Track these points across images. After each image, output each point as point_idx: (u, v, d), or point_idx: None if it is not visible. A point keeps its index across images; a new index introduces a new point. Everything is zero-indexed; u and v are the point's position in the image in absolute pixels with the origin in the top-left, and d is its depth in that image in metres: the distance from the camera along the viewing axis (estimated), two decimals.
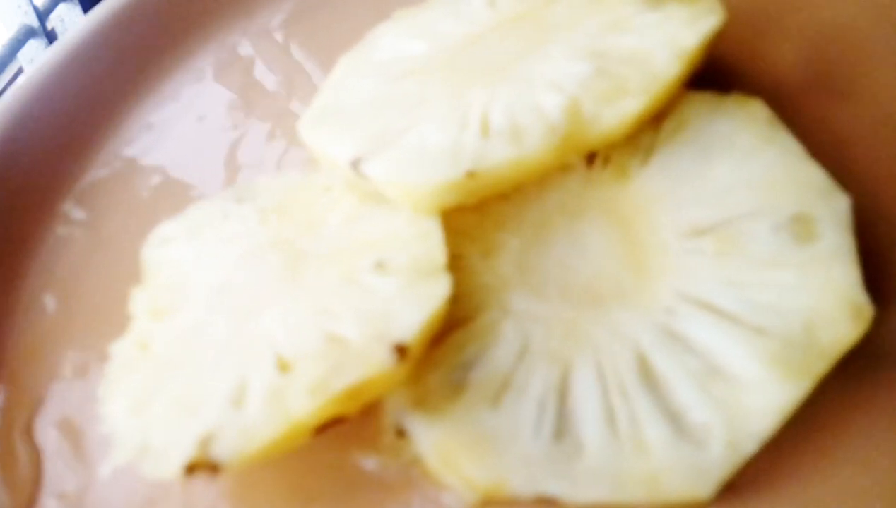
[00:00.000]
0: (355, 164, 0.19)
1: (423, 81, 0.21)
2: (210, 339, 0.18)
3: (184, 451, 0.15)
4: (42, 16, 0.38)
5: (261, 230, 0.21)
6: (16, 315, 0.23)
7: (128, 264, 0.23)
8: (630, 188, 0.19)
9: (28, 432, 0.20)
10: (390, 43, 0.23)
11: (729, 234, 0.18)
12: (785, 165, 0.18)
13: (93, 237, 0.25)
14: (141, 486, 0.18)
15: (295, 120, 0.23)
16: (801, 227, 0.17)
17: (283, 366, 0.16)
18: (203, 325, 0.18)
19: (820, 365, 0.16)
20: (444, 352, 0.18)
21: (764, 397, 0.15)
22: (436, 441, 0.17)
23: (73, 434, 0.20)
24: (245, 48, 0.29)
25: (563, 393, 0.17)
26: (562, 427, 0.16)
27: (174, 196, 0.25)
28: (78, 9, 0.38)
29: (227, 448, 0.15)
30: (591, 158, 0.20)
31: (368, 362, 0.16)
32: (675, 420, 0.16)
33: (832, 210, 0.17)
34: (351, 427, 0.18)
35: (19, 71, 0.38)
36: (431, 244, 0.18)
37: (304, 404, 0.15)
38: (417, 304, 0.17)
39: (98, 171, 0.26)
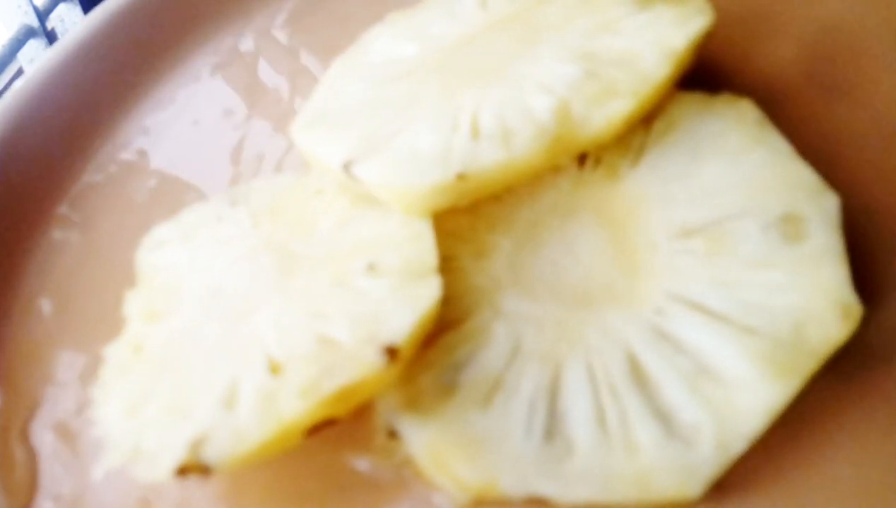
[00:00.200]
0: (347, 167, 0.19)
1: (415, 83, 0.21)
2: (202, 342, 0.18)
3: (175, 454, 0.15)
4: (42, 16, 0.38)
5: (254, 233, 0.21)
6: (11, 318, 0.23)
7: (123, 267, 0.23)
8: (620, 188, 0.19)
9: (24, 435, 0.20)
10: (383, 45, 0.23)
11: (719, 234, 0.18)
12: (774, 165, 0.18)
13: (89, 240, 0.25)
14: (135, 488, 0.18)
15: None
16: (790, 227, 0.17)
17: (275, 368, 0.16)
18: (196, 328, 0.18)
19: (809, 365, 0.16)
20: (436, 353, 0.18)
21: (753, 396, 0.16)
22: (427, 442, 0.17)
23: (69, 437, 0.20)
24: (245, 48, 0.29)
25: (553, 394, 0.17)
26: (552, 427, 0.16)
27: (170, 199, 0.25)
28: (78, 9, 0.38)
29: (218, 451, 0.15)
30: (581, 159, 0.20)
31: (359, 364, 0.16)
32: (665, 419, 0.16)
33: (821, 209, 0.17)
34: (343, 429, 0.18)
35: (19, 71, 0.38)
36: (423, 246, 0.18)
37: (295, 406, 0.15)
38: (408, 306, 0.17)
39: (94, 175, 0.27)
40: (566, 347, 0.17)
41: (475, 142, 0.19)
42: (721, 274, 0.17)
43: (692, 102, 0.20)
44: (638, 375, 0.17)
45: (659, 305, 0.17)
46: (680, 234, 0.18)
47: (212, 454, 0.15)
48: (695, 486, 0.15)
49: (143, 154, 0.27)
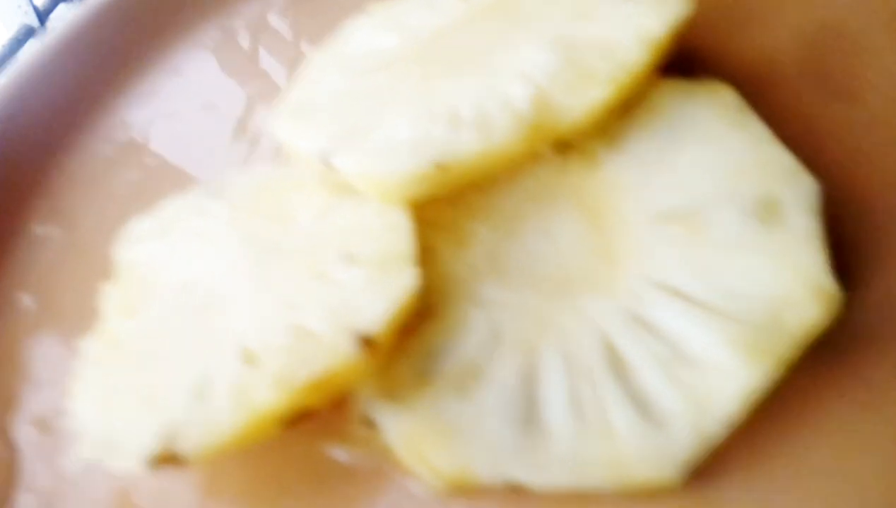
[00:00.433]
0: (325, 157, 0.19)
1: (394, 74, 0.21)
2: (178, 335, 0.18)
3: (148, 445, 0.15)
4: (42, 16, 0.38)
5: (232, 225, 0.20)
6: None
7: (103, 261, 0.23)
8: (600, 176, 0.19)
9: (3, 429, 0.20)
10: (363, 36, 0.23)
11: (696, 220, 0.18)
12: (753, 150, 0.18)
13: (69, 234, 0.25)
14: (113, 480, 0.18)
15: None
16: (768, 211, 0.17)
17: (249, 359, 0.16)
18: (171, 321, 0.18)
19: (786, 349, 0.16)
20: (414, 343, 0.18)
21: (730, 381, 0.15)
22: (403, 431, 0.17)
23: (48, 430, 0.20)
24: (240, 39, 0.29)
25: (530, 381, 0.17)
26: (528, 414, 0.16)
27: (152, 193, 0.25)
28: (77, 9, 0.38)
29: (191, 442, 0.15)
30: (562, 147, 0.20)
31: (334, 354, 0.16)
32: (641, 405, 0.16)
33: (799, 194, 0.17)
34: (322, 419, 0.18)
35: None
36: (400, 236, 0.18)
37: (268, 396, 0.15)
38: (384, 296, 0.17)
39: (75, 169, 0.26)
40: (543, 335, 0.17)
41: (453, 131, 0.18)
42: (698, 259, 0.17)
43: (672, 89, 0.20)
44: (615, 361, 0.17)
45: (636, 291, 0.17)
46: (658, 220, 0.18)
47: (185, 445, 0.15)
48: (671, 471, 0.15)
49: (124, 147, 0.27)
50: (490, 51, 0.20)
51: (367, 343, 0.16)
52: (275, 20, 0.29)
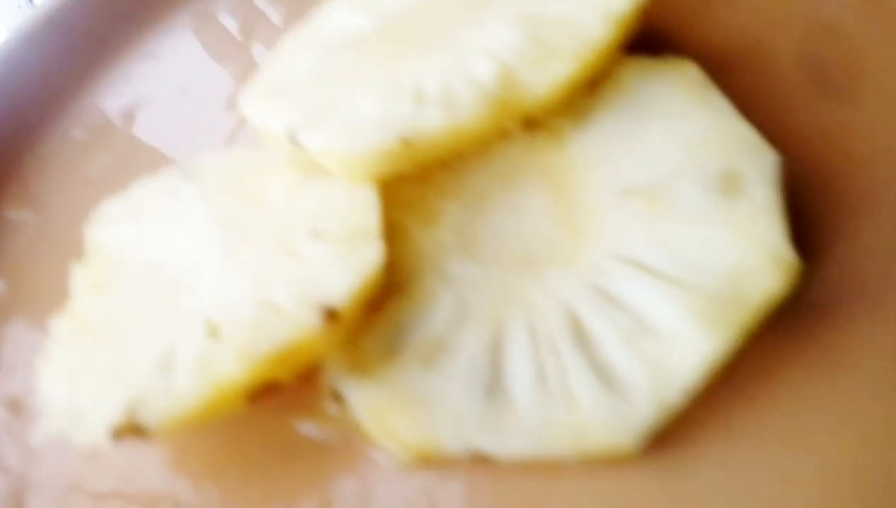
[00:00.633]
0: (292, 135, 0.19)
1: (363, 54, 0.21)
2: (145, 311, 0.18)
3: (111, 416, 0.15)
4: None
5: (202, 206, 0.21)
6: None
7: (76, 245, 0.23)
8: (566, 153, 0.19)
9: None
10: (335, 18, 0.23)
11: (659, 194, 0.18)
12: (715, 125, 0.18)
13: (42, 220, 0.25)
14: (82, 457, 0.18)
15: None
16: (729, 184, 0.17)
17: (213, 332, 0.16)
18: (139, 298, 0.18)
19: (745, 318, 0.16)
20: (381, 318, 0.18)
21: (689, 350, 0.16)
22: (369, 403, 0.17)
23: (18, 410, 0.20)
24: (222, 19, 0.29)
25: (496, 354, 0.17)
26: (493, 385, 0.17)
27: (125, 177, 0.25)
28: None
29: (153, 413, 0.15)
30: (529, 125, 0.20)
31: (297, 325, 0.16)
32: (604, 375, 0.16)
33: (760, 166, 0.17)
34: (289, 394, 0.18)
35: None
36: (367, 212, 0.18)
37: (231, 368, 0.15)
38: (349, 270, 0.17)
39: (48, 154, 0.26)
40: (509, 308, 0.18)
41: (419, 107, 0.19)
42: (660, 232, 0.17)
43: (638, 66, 0.20)
44: (578, 333, 0.17)
45: (600, 265, 0.17)
46: (621, 195, 0.18)
47: (147, 416, 0.15)
48: (630, 438, 0.15)
49: (97, 132, 0.27)
50: (457, 29, 0.20)
51: (332, 315, 0.16)
52: (258, 1, 0.29)
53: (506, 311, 0.18)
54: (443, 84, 0.19)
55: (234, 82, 0.27)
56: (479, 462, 0.16)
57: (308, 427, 0.18)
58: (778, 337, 0.17)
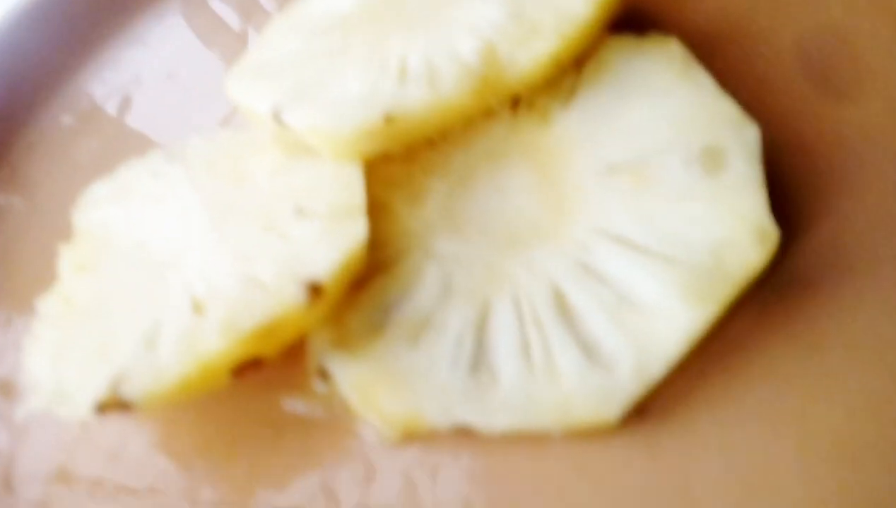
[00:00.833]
0: (276, 114, 0.19)
1: (349, 35, 0.21)
2: (131, 290, 0.18)
3: (95, 392, 0.15)
4: None
5: (188, 187, 0.21)
6: None
7: (64, 230, 0.23)
8: (552, 131, 0.19)
9: None
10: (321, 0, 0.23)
11: (643, 170, 0.18)
12: (697, 101, 0.18)
13: (30, 205, 0.25)
14: (70, 436, 0.18)
15: None
16: (711, 159, 0.17)
17: (198, 309, 0.16)
18: (125, 277, 0.18)
19: (726, 290, 0.16)
20: (367, 295, 0.18)
21: (671, 323, 0.16)
22: (355, 379, 0.17)
23: (8, 392, 0.20)
24: (212, 4, 0.29)
25: (481, 329, 0.17)
26: (478, 360, 0.17)
27: (113, 161, 0.25)
28: None
29: (137, 388, 0.15)
30: (515, 104, 0.20)
31: (280, 300, 0.16)
32: (587, 349, 0.16)
33: (741, 140, 0.17)
34: (277, 372, 0.18)
35: None
36: (351, 190, 0.18)
37: (215, 342, 0.15)
38: (333, 246, 0.17)
39: (36, 139, 0.26)
40: (494, 285, 0.18)
41: (402, 84, 0.19)
42: (643, 207, 0.17)
43: (622, 44, 0.20)
44: (562, 308, 0.17)
45: (584, 241, 0.17)
46: (606, 172, 0.18)
47: (131, 391, 0.15)
48: (612, 410, 0.15)
49: (86, 117, 0.26)
50: (442, 7, 0.20)
51: (316, 291, 0.16)
52: None
53: (491, 288, 0.18)
54: (426, 61, 0.19)
55: (226, 67, 0.27)
56: (464, 435, 0.16)
57: (295, 405, 0.18)
58: (759, 310, 0.17)
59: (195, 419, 0.18)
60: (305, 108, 0.19)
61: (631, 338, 0.16)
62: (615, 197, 0.18)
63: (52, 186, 0.25)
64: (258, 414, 0.18)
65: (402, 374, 0.17)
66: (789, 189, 0.18)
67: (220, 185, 0.20)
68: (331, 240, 0.17)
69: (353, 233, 0.17)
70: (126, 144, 0.26)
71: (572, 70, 0.20)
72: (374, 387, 0.17)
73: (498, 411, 0.16)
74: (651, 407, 0.16)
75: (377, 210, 0.19)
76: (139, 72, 0.28)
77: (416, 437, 0.17)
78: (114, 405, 0.15)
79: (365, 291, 0.18)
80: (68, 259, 0.20)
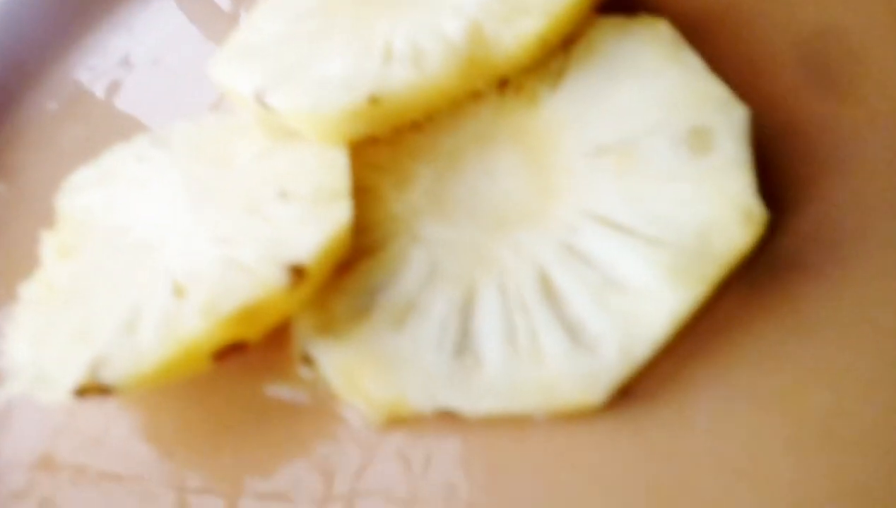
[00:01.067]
0: (259, 96, 0.19)
1: (332, 16, 0.21)
2: (112, 274, 0.18)
3: (74, 375, 0.15)
4: None
5: (172, 171, 0.20)
6: None
7: (49, 215, 0.22)
8: (540, 113, 0.19)
9: None
10: None
11: (630, 152, 0.18)
12: (686, 82, 0.18)
13: (15, 191, 0.24)
14: (55, 421, 0.18)
15: None
16: (698, 140, 0.17)
17: (179, 291, 0.16)
18: (107, 262, 0.18)
19: (713, 271, 0.16)
20: (352, 279, 0.18)
21: (657, 304, 0.16)
22: (340, 364, 0.17)
23: None
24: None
25: (466, 313, 0.17)
26: (463, 344, 0.16)
27: (99, 147, 0.25)
28: None
29: (117, 371, 0.15)
30: (503, 86, 0.20)
31: (261, 283, 0.15)
32: (572, 331, 0.16)
33: (729, 121, 0.17)
34: (262, 359, 0.18)
35: None
36: (335, 173, 0.18)
37: (195, 325, 0.15)
38: (316, 228, 0.17)
39: (21, 125, 0.26)
40: (481, 268, 0.17)
41: (387, 65, 0.18)
42: (630, 189, 0.17)
43: (611, 26, 0.20)
44: (548, 291, 0.17)
45: (570, 222, 0.17)
46: (593, 154, 0.18)
47: (110, 374, 0.15)
48: (597, 392, 0.15)
49: (71, 102, 0.26)
50: None
51: (298, 273, 0.16)
52: None
53: (477, 272, 0.17)
54: (411, 41, 0.19)
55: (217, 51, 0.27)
56: (448, 418, 0.16)
57: (280, 391, 0.18)
58: (747, 292, 0.17)
59: (180, 406, 0.18)
60: (289, 90, 0.18)
61: (617, 320, 0.16)
62: (602, 178, 0.18)
63: (38, 173, 0.25)
64: (243, 400, 0.18)
65: (387, 359, 0.16)
66: (779, 171, 0.18)
67: (204, 169, 0.20)
68: (314, 222, 0.17)
69: (336, 216, 0.17)
70: (113, 130, 0.25)
71: (560, 52, 0.20)
72: (359, 372, 0.17)
73: (482, 395, 0.16)
74: (637, 390, 0.16)
75: (363, 194, 0.19)
76: (127, 56, 0.27)
77: (401, 421, 0.17)
78: (93, 389, 0.15)
79: (350, 276, 0.18)
80: (51, 244, 0.20)
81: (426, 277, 0.18)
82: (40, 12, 0.28)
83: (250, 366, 0.18)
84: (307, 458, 0.17)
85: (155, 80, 0.27)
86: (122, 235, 0.19)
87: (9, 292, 0.22)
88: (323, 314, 0.17)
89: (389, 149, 0.20)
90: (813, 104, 0.19)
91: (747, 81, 0.19)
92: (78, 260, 0.19)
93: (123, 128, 0.25)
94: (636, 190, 0.17)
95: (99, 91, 0.27)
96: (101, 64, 0.27)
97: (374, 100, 0.18)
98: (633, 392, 0.16)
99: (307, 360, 0.17)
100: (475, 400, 0.16)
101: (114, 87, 0.27)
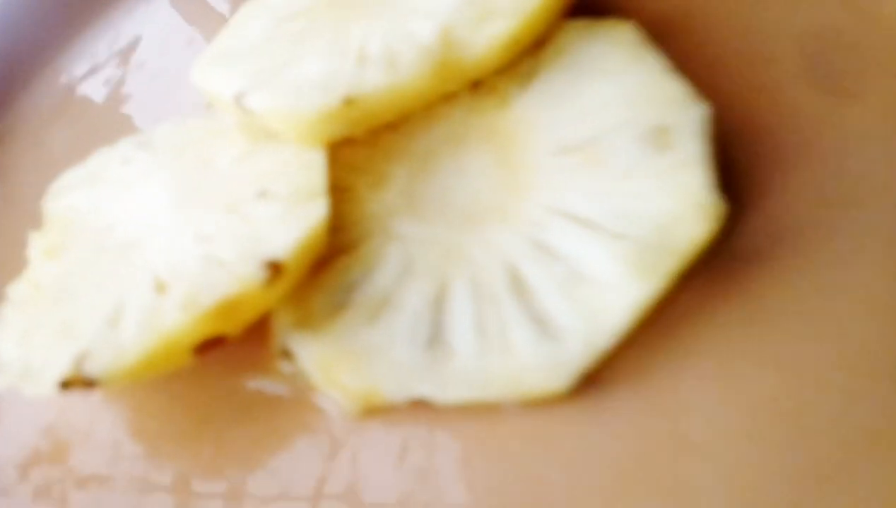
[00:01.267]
0: (238, 99, 0.19)
1: (310, 20, 0.21)
2: (97, 272, 0.18)
3: (59, 369, 0.15)
4: None
5: (156, 172, 0.21)
6: None
7: (36, 216, 0.23)
8: (510, 113, 0.20)
9: None
10: None
11: (595, 150, 0.18)
12: (648, 81, 0.19)
13: (4, 192, 0.25)
14: (43, 418, 0.19)
15: None
16: (659, 138, 0.18)
17: (160, 288, 0.17)
18: (91, 261, 0.19)
19: (673, 264, 0.16)
20: (329, 276, 0.18)
21: (619, 296, 0.16)
22: (317, 357, 0.17)
23: None
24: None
25: (438, 307, 0.18)
26: (435, 336, 0.17)
27: (87, 149, 0.25)
28: None
29: (100, 365, 0.15)
30: (475, 86, 0.21)
31: (239, 278, 0.16)
32: (540, 323, 0.17)
33: (689, 119, 0.18)
34: (242, 353, 0.19)
35: None
36: (313, 172, 0.19)
37: (176, 320, 0.16)
38: (293, 225, 0.17)
39: (10, 127, 0.27)
40: (453, 264, 0.18)
41: (362, 67, 0.19)
42: (595, 185, 0.18)
43: (578, 28, 0.20)
44: (517, 284, 0.17)
45: (538, 219, 0.18)
46: (560, 152, 0.19)
47: (94, 367, 0.15)
48: (562, 381, 0.16)
49: (60, 104, 0.27)
50: None
51: (275, 269, 0.16)
52: None
53: (449, 267, 0.18)
54: (385, 44, 0.19)
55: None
56: (422, 407, 0.17)
57: (260, 384, 0.18)
58: (708, 282, 0.17)
59: (163, 400, 0.19)
60: (267, 93, 0.19)
61: (582, 312, 0.16)
62: (569, 176, 0.18)
63: (28, 175, 0.26)
64: (224, 393, 0.18)
65: (362, 351, 0.17)
66: (740, 166, 0.19)
67: (185, 170, 0.21)
68: (291, 220, 0.17)
69: (313, 214, 0.18)
70: (103, 132, 0.26)
71: (531, 53, 0.20)
72: (336, 364, 0.17)
73: (454, 384, 0.16)
74: (601, 377, 0.17)
75: (341, 193, 0.20)
76: (118, 58, 0.28)
77: (377, 411, 0.17)
78: (78, 381, 0.15)
79: (327, 272, 0.19)
80: (38, 245, 0.20)
81: (400, 273, 0.18)
82: (31, 14, 0.29)
83: (232, 361, 0.19)
84: (288, 448, 0.18)
85: (146, 82, 0.27)
86: (106, 235, 0.19)
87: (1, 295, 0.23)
88: (301, 309, 0.18)
89: (366, 150, 0.21)
90: (775, 102, 0.20)
91: (712, 79, 0.20)
92: (64, 259, 0.19)
93: (114, 130, 0.26)
94: (601, 186, 0.18)
95: (89, 93, 0.27)
96: (92, 66, 0.28)
97: (349, 102, 0.18)
98: (597, 379, 0.17)
99: (286, 354, 0.18)
100: (447, 389, 0.16)
101: (104, 89, 0.27)
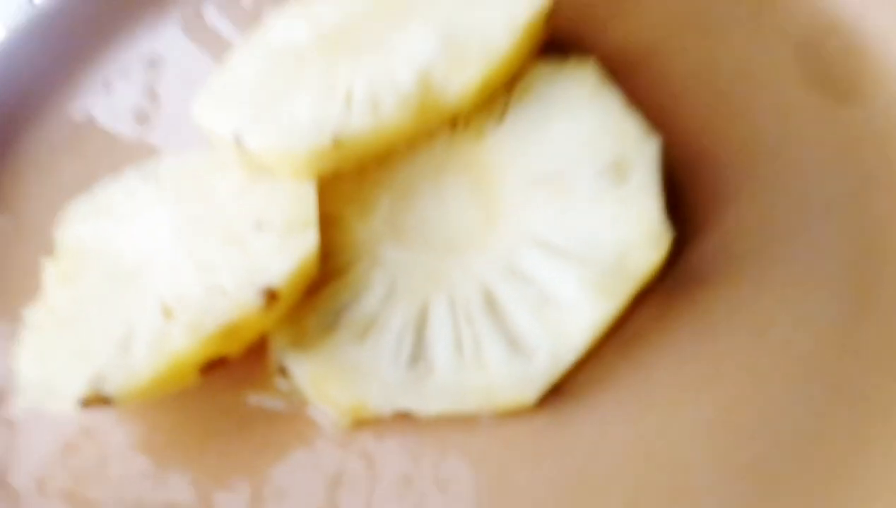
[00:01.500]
0: (237, 138, 0.21)
1: (302, 60, 0.23)
2: (107, 299, 0.20)
3: (78, 389, 0.17)
4: None
5: (159, 204, 0.23)
6: None
7: (47, 243, 0.25)
8: (485, 147, 0.22)
9: None
10: (279, 28, 0.26)
11: (562, 181, 0.20)
12: (607, 118, 0.21)
13: (17, 221, 0.27)
14: (64, 436, 0.21)
15: None
16: (618, 170, 0.20)
17: (167, 314, 0.18)
18: (102, 288, 0.20)
19: (629, 287, 0.18)
20: (321, 299, 0.20)
21: (582, 316, 0.18)
22: (310, 375, 0.19)
23: (1, 399, 0.22)
24: (207, 17, 0.31)
25: (420, 327, 0.19)
26: (417, 354, 0.19)
27: (95, 180, 0.27)
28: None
29: (116, 385, 0.17)
30: (454, 122, 0.22)
31: (239, 304, 0.18)
32: (511, 341, 0.19)
33: (643, 153, 0.20)
34: (243, 372, 0.20)
35: None
36: (304, 205, 0.20)
37: (183, 343, 0.17)
38: (287, 255, 0.19)
39: (22, 159, 0.28)
40: (433, 287, 0.20)
41: (348, 110, 0.21)
42: (562, 215, 0.20)
43: (546, 68, 0.22)
44: (492, 306, 0.19)
45: (511, 245, 0.20)
46: (531, 183, 0.21)
47: (110, 387, 0.17)
48: (530, 393, 0.18)
49: (70, 137, 0.28)
50: (385, 36, 0.23)
51: (271, 295, 0.18)
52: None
53: (430, 290, 0.20)
54: (369, 89, 0.21)
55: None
56: (405, 418, 0.18)
57: (259, 400, 0.20)
58: (661, 302, 0.19)
59: (169, 416, 0.20)
60: (262, 132, 0.21)
61: (549, 331, 0.18)
62: (539, 206, 0.20)
63: (40, 204, 0.27)
64: (226, 409, 0.20)
65: (351, 368, 0.19)
66: (690, 195, 0.21)
67: (188, 203, 0.23)
68: (285, 250, 0.19)
69: (305, 244, 0.19)
70: (112, 163, 0.27)
71: (504, 91, 0.22)
72: (327, 381, 0.19)
73: (434, 397, 0.18)
74: (566, 389, 0.18)
75: (331, 223, 0.22)
76: (130, 91, 0.30)
77: (364, 423, 0.19)
78: (95, 400, 0.17)
79: (319, 296, 0.20)
80: (52, 272, 0.22)
81: (385, 296, 0.20)
82: (41, 47, 0.30)
83: (233, 378, 0.20)
84: (286, 459, 0.19)
85: (154, 114, 0.29)
86: (115, 263, 0.21)
87: (13, 316, 0.24)
88: (296, 330, 0.20)
89: (354, 182, 0.22)
90: (723, 133, 0.22)
91: (671, 109, 0.22)
92: (76, 286, 0.21)
93: (122, 161, 0.27)
94: (567, 216, 0.20)
95: (98, 123, 0.29)
96: (101, 96, 0.30)
97: (337, 143, 0.20)
98: (562, 391, 0.18)
99: (283, 372, 0.20)
100: (428, 402, 0.18)
101: (112, 120, 0.29)
